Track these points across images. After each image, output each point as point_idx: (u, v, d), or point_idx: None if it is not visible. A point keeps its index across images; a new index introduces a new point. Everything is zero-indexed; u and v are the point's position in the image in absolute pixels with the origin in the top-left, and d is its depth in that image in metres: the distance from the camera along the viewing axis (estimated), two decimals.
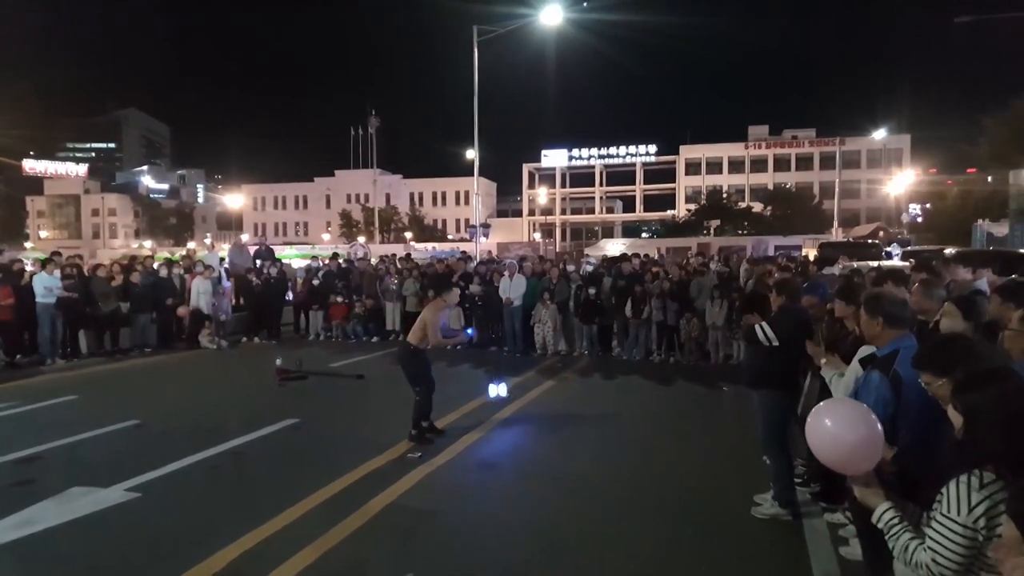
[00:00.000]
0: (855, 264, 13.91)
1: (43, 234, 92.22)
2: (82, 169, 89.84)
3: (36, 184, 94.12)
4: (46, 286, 12.33)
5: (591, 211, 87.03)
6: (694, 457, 6.96)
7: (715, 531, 5.03)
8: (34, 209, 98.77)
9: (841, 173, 60.41)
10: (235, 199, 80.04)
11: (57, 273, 12.76)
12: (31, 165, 78.77)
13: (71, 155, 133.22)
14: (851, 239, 39.97)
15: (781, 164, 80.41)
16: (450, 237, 75.58)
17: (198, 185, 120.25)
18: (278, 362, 11.07)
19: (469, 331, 9.12)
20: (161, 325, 14.31)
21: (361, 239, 63.09)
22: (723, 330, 12.22)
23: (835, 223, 52.02)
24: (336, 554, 4.66)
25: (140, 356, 13.51)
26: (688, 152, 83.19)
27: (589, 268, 15.16)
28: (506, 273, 13.96)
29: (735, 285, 13.04)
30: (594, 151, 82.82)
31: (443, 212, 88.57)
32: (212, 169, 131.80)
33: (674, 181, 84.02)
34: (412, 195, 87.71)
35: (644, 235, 75.08)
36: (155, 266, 15.44)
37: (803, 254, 31.46)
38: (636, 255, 14.95)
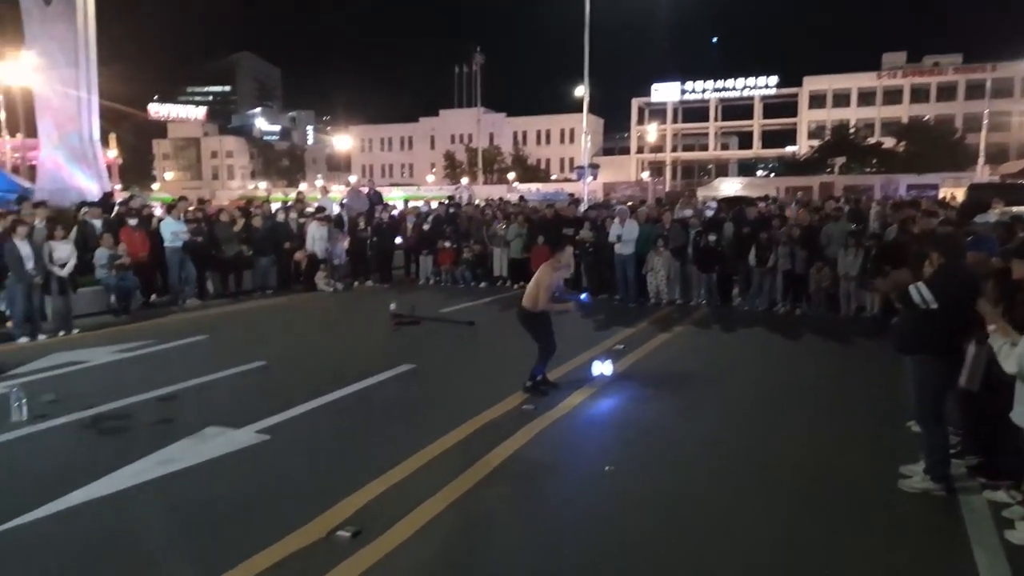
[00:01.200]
0: (1013, 210, 12.69)
1: (168, 176, 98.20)
2: (201, 112, 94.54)
3: (160, 128, 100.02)
4: (173, 231, 13.06)
5: (704, 148, 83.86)
6: (826, 421, 6.61)
7: (855, 505, 4.75)
8: (159, 152, 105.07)
9: (990, 103, 55.23)
10: (343, 140, 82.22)
11: (182, 218, 13.49)
12: (155, 109, 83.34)
13: (191, 99, 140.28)
14: (1001, 178, 36.67)
15: (918, 95, 74.22)
16: (553, 177, 75.01)
17: (308, 127, 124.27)
18: (392, 307, 11.36)
19: (583, 296, 8.65)
20: (280, 268, 14.97)
21: (464, 180, 63.57)
22: (856, 280, 11.50)
23: (981, 159, 47.80)
24: (460, 507, 4.73)
25: (262, 298, 14.22)
26: (812, 84, 78.14)
27: (709, 213, 14.55)
28: (617, 219, 13.62)
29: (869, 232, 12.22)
30: (709, 84, 79.32)
31: (547, 151, 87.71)
32: (321, 111, 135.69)
33: (795, 115, 79.39)
34: (516, 134, 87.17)
35: (760, 173, 71.84)
36: (273, 210, 16.08)
37: (940, 195, 29.12)
38: (764, 198, 14.19)
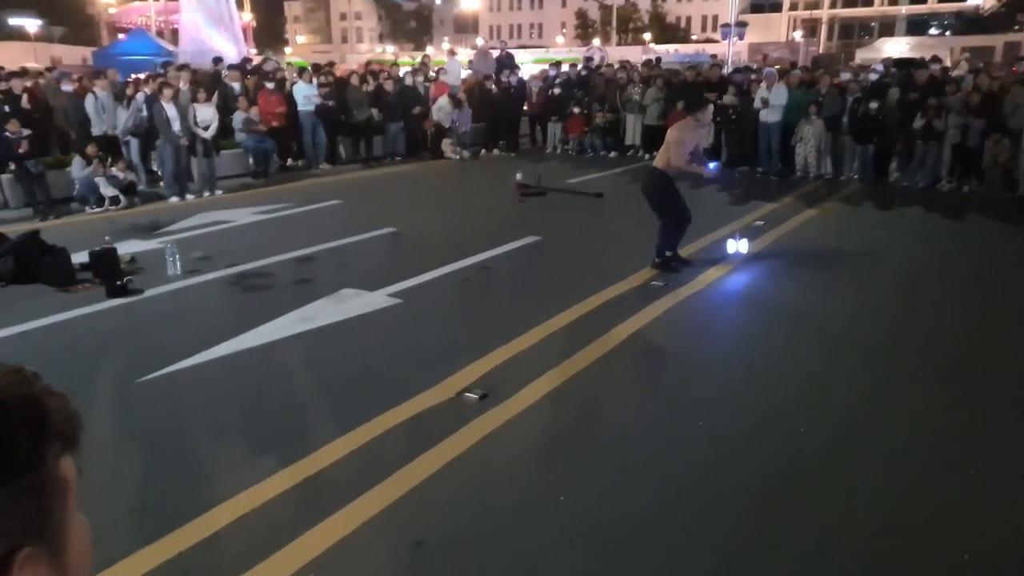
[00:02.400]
0: None
1: (300, 39, 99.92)
2: None
3: None
4: (305, 95, 13.36)
5: (868, 3, 75.39)
6: (991, 315, 6.09)
7: (1015, 405, 4.42)
8: (290, 15, 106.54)
9: None
10: (470, 0, 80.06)
11: (315, 82, 13.74)
12: None
13: None
14: None
15: None
16: (694, 38, 70.25)
17: None
18: (518, 176, 11.28)
19: (712, 165, 7.84)
20: (408, 134, 15.12)
21: (596, 41, 60.78)
22: None
23: None
24: (581, 380, 4.78)
25: (391, 164, 14.51)
26: None
27: (873, 77, 13.18)
28: (764, 82, 12.63)
29: None
30: None
31: (687, 8, 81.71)
32: None
33: None
34: None
35: (933, 32, 64.13)
36: (401, 74, 16.07)
37: None
38: (934, 59, 12.63)
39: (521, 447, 3.98)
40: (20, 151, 9.69)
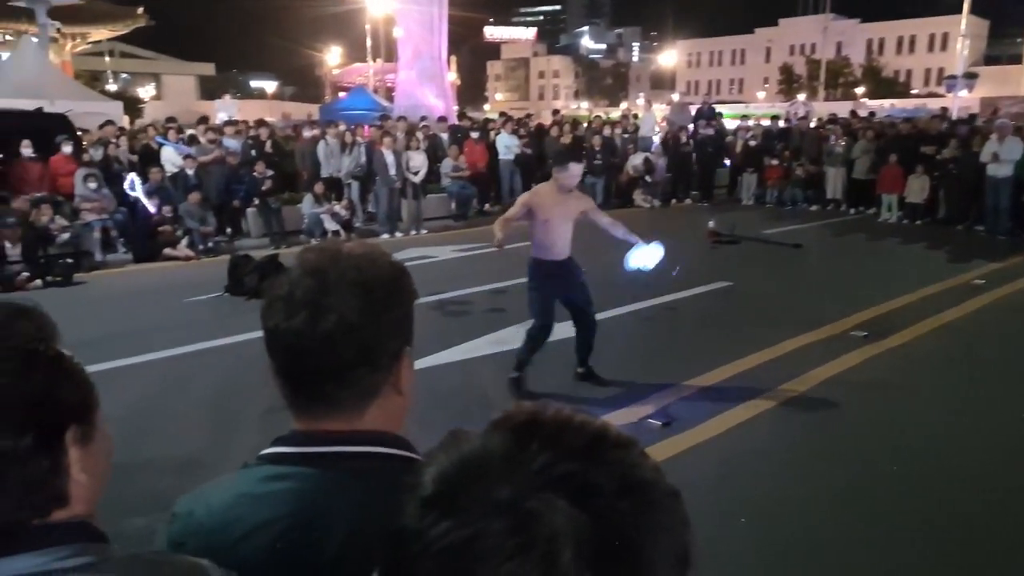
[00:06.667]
0: None
1: (498, 96, 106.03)
2: (531, 33, 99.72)
3: (494, 50, 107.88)
4: (507, 144, 14.37)
5: None
6: None
7: None
8: (492, 73, 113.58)
9: None
10: (668, 56, 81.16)
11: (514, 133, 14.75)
12: (490, 32, 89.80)
13: (523, 20, 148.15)
14: None
15: None
16: (914, 92, 66.12)
17: (634, 44, 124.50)
18: (711, 224, 11.37)
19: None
20: (605, 183, 15.69)
21: (801, 96, 59.01)
22: None
23: None
24: (761, 420, 4.85)
25: None
26: None
27: None
28: (995, 134, 11.84)
29: None
30: None
31: (909, 61, 77.35)
32: (649, 26, 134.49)
33: None
34: (870, 42, 78.00)
35: None
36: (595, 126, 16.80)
37: None
38: None
39: (697, 475, 4.14)
40: (263, 189, 11.32)
